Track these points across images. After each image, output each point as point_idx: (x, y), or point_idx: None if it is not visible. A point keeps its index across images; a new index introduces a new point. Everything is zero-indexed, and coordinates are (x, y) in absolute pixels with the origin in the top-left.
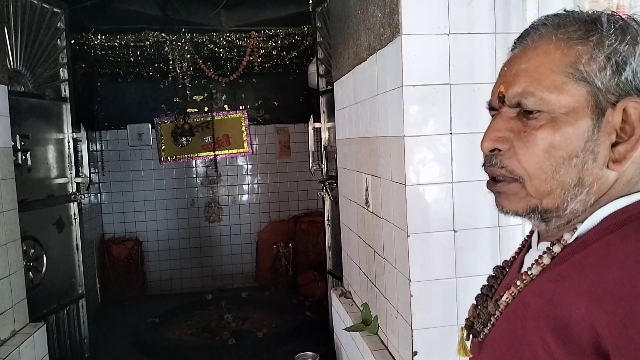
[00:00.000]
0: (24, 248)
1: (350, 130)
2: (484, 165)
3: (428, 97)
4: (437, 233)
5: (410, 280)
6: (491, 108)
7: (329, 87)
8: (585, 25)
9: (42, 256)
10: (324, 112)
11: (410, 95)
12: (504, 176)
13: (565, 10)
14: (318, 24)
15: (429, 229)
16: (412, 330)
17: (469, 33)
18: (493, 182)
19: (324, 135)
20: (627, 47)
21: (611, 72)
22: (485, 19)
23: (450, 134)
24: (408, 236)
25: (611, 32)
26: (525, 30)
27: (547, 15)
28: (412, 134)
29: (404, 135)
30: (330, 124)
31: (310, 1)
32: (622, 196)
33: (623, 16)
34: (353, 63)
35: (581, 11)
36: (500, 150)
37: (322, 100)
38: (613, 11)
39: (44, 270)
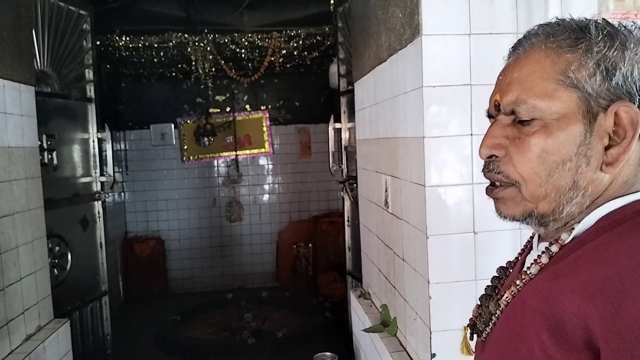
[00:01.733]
0: (50, 245)
1: (371, 131)
2: (483, 171)
3: (448, 98)
4: (456, 235)
5: (429, 282)
6: (489, 115)
7: (350, 88)
8: (574, 33)
9: (67, 254)
10: (344, 113)
11: (430, 96)
12: (501, 181)
13: (556, 19)
14: (339, 24)
15: (449, 231)
16: (430, 333)
17: (490, 33)
18: (491, 188)
19: (345, 135)
20: (616, 52)
21: (601, 77)
22: (507, 18)
23: (471, 135)
24: (427, 238)
25: (599, 38)
26: (518, 40)
27: (540, 25)
28: (432, 134)
29: (424, 136)
30: (350, 125)
31: (332, 1)
32: (617, 197)
33: (613, 22)
34: (373, 63)
35: (572, 19)
36: (497, 156)
37: (343, 100)
38: (603, 18)
39: (68, 268)
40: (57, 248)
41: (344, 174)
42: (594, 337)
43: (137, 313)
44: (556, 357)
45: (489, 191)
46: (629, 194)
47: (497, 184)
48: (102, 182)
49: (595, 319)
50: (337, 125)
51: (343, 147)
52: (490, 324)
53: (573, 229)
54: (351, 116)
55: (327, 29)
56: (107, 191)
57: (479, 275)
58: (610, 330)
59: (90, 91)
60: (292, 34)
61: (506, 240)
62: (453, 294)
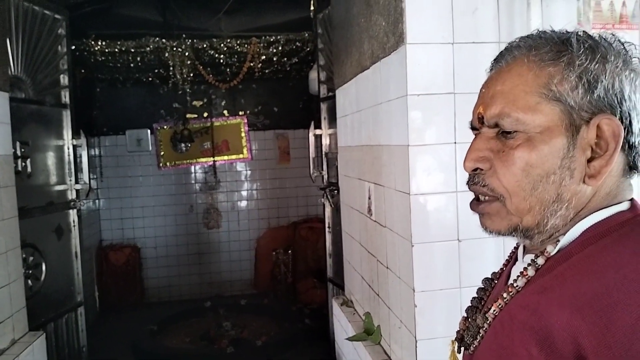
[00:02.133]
0: (24, 256)
1: (353, 138)
2: (467, 183)
3: (432, 106)
4: (441, 243)
5: (414, 291)
6: (473, 128)
7: (330, 94)
8: (556, 46)
9: (41, 264)
10: (325, 119)
11: (415, 105)
12: (486, 194)
13: (537, 31)
14: (319, 31)
15: (433, 239)
16: (416, 341)
17: (473, 42)
18: (476, 203)
19: (325, 141)
20: (597, 65)
21: (583, 90)
22: (489, 28)
23: (455, 143)
24: (412, 246)
25: (581, 52)
26: (500, 52)
27: (521, 37)
28: (416, 143)
29: (409, 145)
30: (331, 131)
31: (312, 8)
32: (601, 208)
33: (594, 34)
34: (356, 71)
35: (553, 31)
36: (482, 169)
37: (323, 106)
38: (584, 30)
39: (42, 278)
40: (31, 258)
41: (324, 180)
42: (583, 351)
43: (113, 323)
44: None
45: (474, 206)
46: (611, 206)
47: (482, 198)
48: (77, 190)
49: (584, 333)
50: (318, 131)
51: (324, 153)
52: (478, 337)
53: (558, 241)
54: (332, 122)
55: (306, 35)
56: (82, 199)
57: (463, 283)
58: (600, 344)
59: (65, 97)
60: (272, 39)
61: (490, 247)
62: (438, 302)
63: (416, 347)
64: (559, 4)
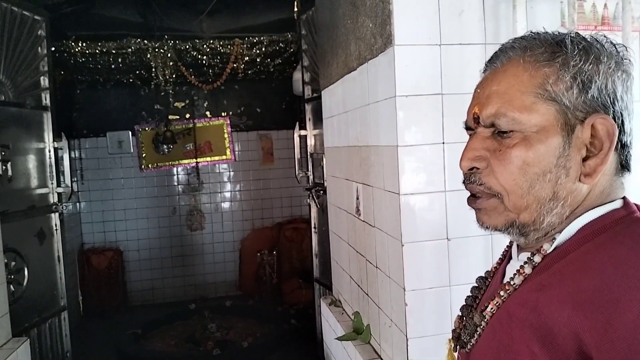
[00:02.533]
0: (5, 261)
1: (340, 139)
2: (464, 182)
3: (420, 107)
4: (430, 242)
5: (405, 290)
6: (468, 128)
7: (315, 95)
8: (551, 47)
9: (24, 269)
10: (309, 120)
11: (403, 106)
12: (483, 193)
13: (531, 32)
14: (303, 32)
15: (423, 238)
16: (407, 340)
17: (460, 44)
18: (473, 199)
19: (310, 142)
20: (591, 66)
21: (577, 90)
22: (475, 30)
23: (443, 143)
24: (402, 245)
25: (575, 52)
26: (495, 53)
27: (515, 38)
28: (405, 143)
29: (397, 145)
30: (316, 131)
31: (295, 9)
32: (596, 206)
33: (586, 36)
34: (342, 72)
35: (547, 33)
36: (478, 168)
37: (308, 107)
38: (577, 32)
39: (25, 283)
40: (13, 263)
41: (310, 181)
42: (585, 347)
43: (96, 327)
44: None
45: (471, 202)
46: (606, 204)
47: (479, 195)
48: (59, 193)
49: (586, 330)
50: (303, 132)
51: (309, 154)
52: (476, 335)
53: (554, 238)
54: (317, 123)
55: (289, 36)
56: (64, 202)
57: (453, 281)
58: (603, 340)
59: (46, 99)
60: (255, 40)
61: (478, 246)
62: (428, 301)
63: (407, 345)
64: (543, 6)
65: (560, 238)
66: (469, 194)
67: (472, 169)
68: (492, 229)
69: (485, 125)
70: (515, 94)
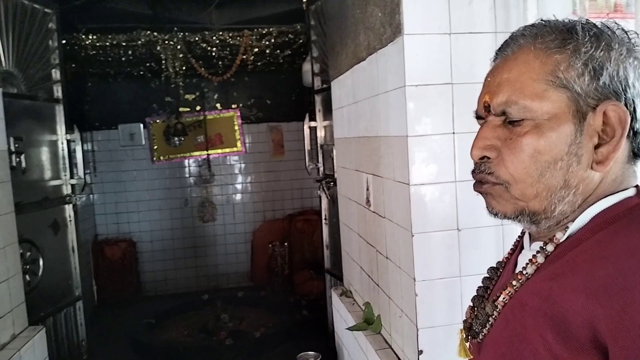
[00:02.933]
0: (21, 251)
1: (350, 130)
2: (473, 172)
3: (430, 97)
4: (441, 232)
5: (415, 280)
6: (478, 117)
7: (325, 86)
8: (562, 34)
9: (39, 259)
10: (319, 111)
11: (413, 95)
12: (490, 181)
13: (542, 20)
14: (312, 22)
15: (433, 228)
16: (417, 330)
17: (470, 32)
18: (479, 184)
19: (320, 133)
20: (602, 53)
21: (589, 77)
22: (485, 18)
23: (453, 133)
24: (412, 236)
25: (586, 39)
26: (505, 41)
27: (526, 26)
28: (415, 133)
29: (407, 135)
30: (326, 123)
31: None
32: (608, 195)
33: (597, 23)
34: (351, 62)
35: (557, 20)
36: (489, 157)
37: (318, 98)
38: (587, 19)
39: (40, 273)
40: (29, 253)
41: (320, 173)
42: (600, 335)
43: (110, 317)
44: (563, 357)
45: (477, 186)
46: (619, 192)
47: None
48: (72, 185)
49: (601, 318)
50: (313, 123)
51: (319, 145)
52: (488, 325)
53: (567, 227)
54: (327, 114)
55: (298, 27)
56: (77, 194)
57: (463, 271)
58: (619, 328)
59: (58, 91)
60: (264, 32)
61: (489, 236)
62: (438, 291)
63: (417, 335)
64: None
65: (573, 227)
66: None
67: (482, 158)
68: (502, 216)
69: (496, 113)
70: (527, 82)
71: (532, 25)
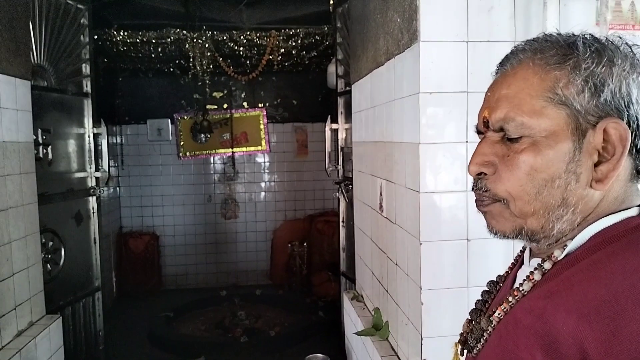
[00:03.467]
0: (43, 241)
1: (367, 134)
2: (472, 188)
3: (445, 105)
4: (450, 242)
5: (421, 288)
6: (478, 132)
7: (347, 89)
8: (562, 50)
9: (61, 249)
10: (341, 113)
11: (427, 103)
12: (487, 199)
13: (544, 34)
14: (338, 25)
15: (442, 237)
16: (421, 338)
17: (488, 41)
18: (480, 202)
19: (341, 136)
20: (603, 69)
21: (589, 94)
22: (505, 27)
23: (467, 142)
24: (420, 244)
25: (587, 55)
26: (506, 56)
27: (527, 40)
28: (427, 141)
29: (419, 142)
30: (347, 125)
31: (331, 1)
32: (610, 214)
33: (600, 37)
34: (371, 67)
35: (559, 34)
36: (485, 174)
37: (340, 101)
38: (590, 33)
39: (61, 263)
40: (51, 243)
41: (339, 175)
42: (589, 358)
43: (129, 309)
44: None
45: (479, 204)
46: (620, 211)
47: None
48: (97, 178)
49: (591, 340)
50: (334, 125)
51: (339, 147)
52: (482, 340)
53: (566, 245)
54: (348, 117)
55: (326, 28)
56: (102, 187)
57: (471, 282)
58: (607, 352)
59: (87, 86)
60: (291, 32)
61: (499, 248)
62: (445, 301)
63: (422, 344)
64: (577, 4)
65: (572, 245)
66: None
67: (480, 174)
68: (501, 235)
69: (494, 129)
70: (525, 98)
71: (534, 39)
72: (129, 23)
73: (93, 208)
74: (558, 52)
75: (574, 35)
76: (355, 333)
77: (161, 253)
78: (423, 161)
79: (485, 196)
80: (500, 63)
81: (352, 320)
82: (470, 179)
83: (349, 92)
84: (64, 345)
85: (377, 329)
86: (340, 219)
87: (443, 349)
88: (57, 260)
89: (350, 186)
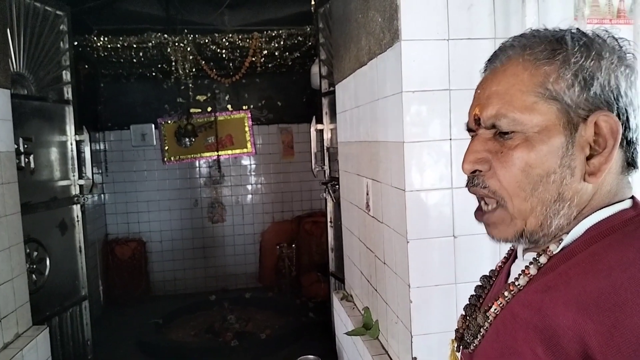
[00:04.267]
0: (27, 251)
1: (352, 134)
2: (467, 185)
3: (428, 103)
4: (436, 239)
5: (409, 286)
6: (469, 129)
7: (331, 89)
8: (551, 45)
9: (45, 258)
10: (326, 114)
11: (410, 101)
12: (487, 196)
13: (531, 30)
14: (320, 25)
15: (429, 235)
16: (411, 336)
17: (469, 38)
18: (480, 213)
19: (327, 136)
20: (592, 62)
21: (579, 88)
22: (484, 24)
23: (450, 139)
24: (408, 242)
25: (576, 49)
26: (494, 53)
27: (515, 37)
28: (411, 139)
29: (404, 141)
30: (332, 126)
31: (313, 2)
32: (604, 207)
33: (587, 31)
34: (354, 66)
35: (546, 30)
36: (480, 171)
37: (325, 101)
38: (577, 28)
39: (47, 273)
40: (35, 253)
41: (326, 175)
42: (590, 350)
43: (118, 317)
44: None
45: (479, 216)
46: (613, 204)
47: (485, 207)
48: (80, 185)
49: (592, 333)
50: (319, 126)
51: (325, 148)
52: (479, 336)
53: (561, 239)
54: (333, 117)
55: (308, 29)
56: (86, 194)
57: (459, 278)
58: (608, 344)
59: (68, 93)
60: (273, 34)
61: (485, 243)
62: (433, 298)
63: (412, 342)
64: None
65: (568, 239)
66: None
67: (474, 171)
68: (503, 241)
69: (486, 126)
70: (516, 94)
71: (522, 35)
72: (110, 28)
73: (77, 216)
74: (547, 47)
75: (561, 30)
76: (346, 333)
77: (148, 259)
78: (408, 160)
79: (483, 193)
80: (488, 60)
81: (343, 320)
82: (456, 177)
83: (333, 92)
84: (52, 356)
85: (367, 328)
86: (328, 220)
87: (433, 346)
88: (43, 270)
89: (337, 186)
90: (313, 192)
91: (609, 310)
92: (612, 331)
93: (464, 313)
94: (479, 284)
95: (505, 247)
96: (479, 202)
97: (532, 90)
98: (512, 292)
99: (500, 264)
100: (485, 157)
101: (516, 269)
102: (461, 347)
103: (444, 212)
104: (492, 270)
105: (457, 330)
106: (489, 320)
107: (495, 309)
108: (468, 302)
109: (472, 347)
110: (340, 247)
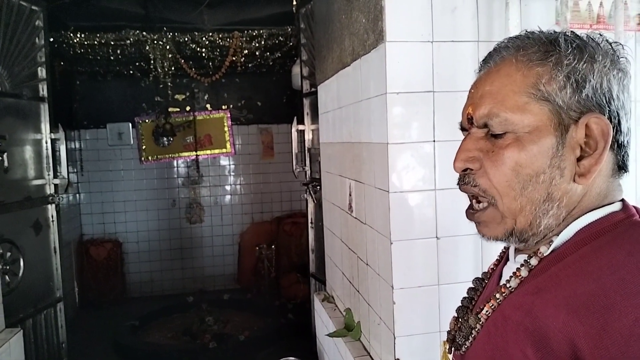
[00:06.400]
0: (0, 251)
1: (334, 135)
2: (458, 184)
3: (412, 105)
4: (420, 240)
5: (393, 288)
6: (462, 128)
7: (313, 89)
8: (544, 46)
9: (19, 259)
10: (307, 114)
11: (394, 103)
12: (478, 194)
13: (525, 31)
14: (302, 26)
15: (412, 236)
16: (394, 338)
17: (452, 41)
18: (471, 212)
19: (308, 137)
20: (585, 65)
21: (571, 90)
22: (468, 27)
23: (434, 141)
24: (391, 243)
25: (569, 51)
26: (489, 53)
27: (509, 38)
28: (395, 141)
29: (388, 143)
30: (314, 126)
31: (294, 2)
32: (594, 209)
33: (581, 35)
34: (337, 67)
35: (541, 32)
36: (472, 169)
37: (306, 102)
38: (572, 30)
39: (20, 274)
40: (9, 254)
41: (307, 176)
42: (580, 352)
43: (93, 319)
44: None
45: (470, 215)
46: (604, 206)
47: (476, 206)
48: (55, 185)
49: (581, 335)
50: (300, 126)
51: (306, 148)
52: (470, 337)
53: (551, 241)
54: (314, 118)
55: (289, 29)
56: (61, 194)
57: (442, 280)
58: (597, 346)
59: (43, 90)
60: (254, 34)
61: (468, 245)
62: (417, 299)
63: (394, 343)
64: (538, 4)
65: (558, 241)
66: (459, 192)
67: (466, 170)
68: (493, 239)
69: (478, 125)
70: (508, 94)
71: (516, 37)
72: (86, 25)
73: (52, 216)
74: (540, 48)
75: (555, 32)
76: (328, 335)
77: (124, 260)
78: (392, 161)
79: (474, 191)
80: (483, 60)
81: (324, 321)
82: (439, 178)
83: (315, 93)
84: (26, 359)
85: (349, 329)
86: (309, 220)
87: (416, 348)
88: (16, 271)
89: (319, 187)
90: (293, 192)
91: (598, 313)
92: (601, 333)
93: (456, 315)
94: (472, 286)
95: (492, 248)
96: (471, 201)
97: (524, 91)
98: (503, 294)
99: (492, 266)
100: (476, 155)
101: (508, 271)
102: (453, 349)
103: (427, 214)
104: (484, 272)
105: (449, 332)
106: (480, 322)
107: (486, 311)
108: (460, 304)
109: (463, 349)
110: (321, 248)
